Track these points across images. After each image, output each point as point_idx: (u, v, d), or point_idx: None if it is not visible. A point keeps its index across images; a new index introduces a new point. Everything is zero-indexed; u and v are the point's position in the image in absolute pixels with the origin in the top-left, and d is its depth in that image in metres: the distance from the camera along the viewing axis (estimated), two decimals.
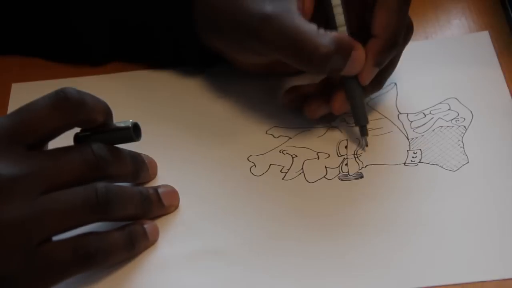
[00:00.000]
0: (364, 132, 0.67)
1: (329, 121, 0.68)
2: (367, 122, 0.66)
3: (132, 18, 0.71)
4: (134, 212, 0.61)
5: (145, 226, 0.62)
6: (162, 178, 0.66)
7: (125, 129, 0.62)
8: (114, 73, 0.74)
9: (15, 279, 0.56)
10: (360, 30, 0.65)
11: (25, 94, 0.73)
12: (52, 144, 0.61)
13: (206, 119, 0.70)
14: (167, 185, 0.64)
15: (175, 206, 0.64)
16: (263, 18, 0.63)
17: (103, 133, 0.61)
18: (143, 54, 0.73)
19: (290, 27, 0.63)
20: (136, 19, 0.71)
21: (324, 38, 0.63)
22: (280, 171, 0.66)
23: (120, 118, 0.63)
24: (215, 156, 0.67)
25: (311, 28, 0.63)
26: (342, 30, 0.65)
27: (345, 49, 0.63)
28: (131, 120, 0.62)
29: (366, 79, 0.65)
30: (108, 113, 0.62)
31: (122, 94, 0.73)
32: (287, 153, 0.67)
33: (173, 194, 0.64)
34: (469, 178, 0.64)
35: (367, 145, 0.67)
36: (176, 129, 0.70)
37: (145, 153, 0.65)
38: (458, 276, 0.58)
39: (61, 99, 0.59)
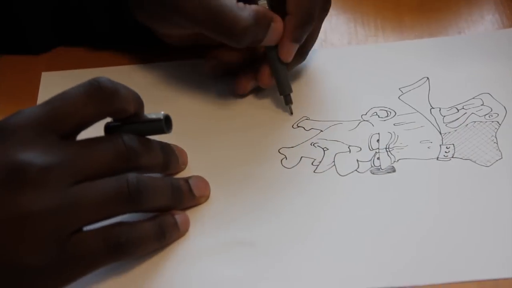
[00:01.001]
0: (288, 100, 0.69)
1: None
2: (291, 91, 0.68)
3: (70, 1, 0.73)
4: (165, 203, 0.61)
5: (176, 216, 0.61)
6: (193, 169, 0.66)
7: (156, 121, 0.61)
8: (132, 64, 0.75)
9: (46, 269, 0.56)
10: (281, 5, 0.68)
11: (55, 83, 0.73)
12: (82, 135, 0.60)
13: (235, 110, 0.70)
14: (198, 176, 0.64)
15: (206, 197, 0.64)
16: None
17: (134, 124, 0.61)
18: (82, 35, 0.75)
19: (210, 1, 0.65)
20: (74, 2, 0.72)
21: (243, 11, 0.65)
22: (312, 163, 0.66)
23: (148, 109, 0.62)
24: (245, 148, 0.67)
25: (230, 2, 0.65)
26: (263, 4, 0.67)
27: (264, 21, 0.66)
28: (162, 112, 0.61)
29: (288, 56, 0.68)
30: (140, 104, 0.61)
31: (149, 85, 0.73)
32: (318, 146, 0.67)
33: (204, 184, 0.64)
34: (503, 173, 0.63)
35: (291, 114, 0.69)
36: (205, 121, 0.70)
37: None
38: (490, 272, 0.58)
39: (94, 89, 0.59)
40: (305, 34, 0.68)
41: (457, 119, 0.68)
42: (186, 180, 0.63)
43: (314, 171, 0.65)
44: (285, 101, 0.69)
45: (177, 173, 0.65)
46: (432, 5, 0.76)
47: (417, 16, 0.76)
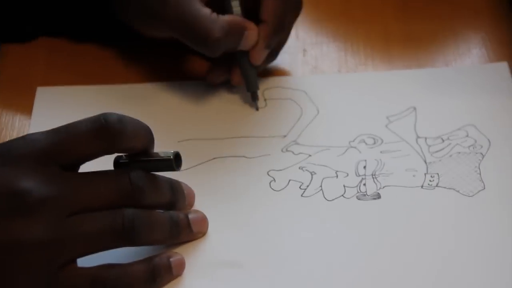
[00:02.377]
0: (255, 97, 0.72)
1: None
2: (257, 88, 0.72)
3: None
4: (162, 238, 0.61)
5: (171, 260, 0.61)
6: None
7: (166, 160, 0.61)
8: (138, 83, 0.76)
9: None
10: (255, 13, 0.71)
11: (49, 98, 0.74)
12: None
13: (226, 132, 0.71)
14: (197, 211, 0.64)
15: (203, 233, 0.63)
16: (163, 3, 0.68)
17: (143, 162, 0.61)
18: (65, 27, 0.77)
19: (186, 11, 0.68)
20: None
21: (217, 23, 0.68)
22: (299, 187, 0.67)
23: None
24: (234, 169, 0.68)
25: (205, 13, 0.68)
26: (237, 12, 0.71)
27: (237, 31, 0.70)
28: (172, 150, 0.61)
29: (259, 60, 0.71)
30: (149, 139, 0.61)
31: (142, 104, 0.74)
32: (306, 170, 0.68)
33: (203, 221, 0.64)
34: (486, 204, 0.65)
35: (257, 109, 0.72)
36: (197, 141, 0.71)
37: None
38: None
39: (101, 127, 0.58)
40: (277, 40, 0.72)
41: (442, 149, 0.69)
42: (186, 215, 0.63)
43: (301, 195, 0.67)
44: (252, 97, 0.72)
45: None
46: (420, 37, 0.78)
47: (405, 47, 0.78)
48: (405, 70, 0.76)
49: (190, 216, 0.63)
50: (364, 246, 0.63)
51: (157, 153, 0.61)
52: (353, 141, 0.70)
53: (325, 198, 0.66)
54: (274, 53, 0.73)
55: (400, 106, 0.73)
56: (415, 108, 0.72)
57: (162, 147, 0.63)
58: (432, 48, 0.76)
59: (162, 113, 0.73)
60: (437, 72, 0.75)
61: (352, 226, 0.64)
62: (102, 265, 0.58)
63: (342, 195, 0.66)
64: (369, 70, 0.76)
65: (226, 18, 0.69)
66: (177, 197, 0.63)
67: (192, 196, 0.65)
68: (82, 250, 0.57)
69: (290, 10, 0.72)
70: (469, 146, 0.69)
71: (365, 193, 0.66)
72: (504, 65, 0.75)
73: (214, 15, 0.69)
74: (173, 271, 0.61)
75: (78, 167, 0.59)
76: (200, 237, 0.63)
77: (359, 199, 0.66)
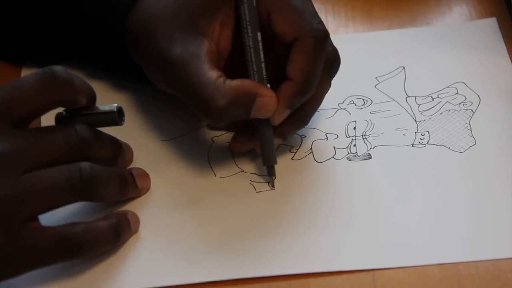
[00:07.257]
0: (271, 172, 0.64)
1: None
2: (275, 162, 0.64)
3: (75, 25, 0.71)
4: (113, 193, 0.61)
5: (128, 216, 0.62)
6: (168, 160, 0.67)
7: (110, 112, 0.61)
8: None
9: None
10: (281, 70, 0.63)
11: None
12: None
13: None
14: (139, 168, 0.65)
15: (147, 189, 0.65)
16: (169, 63, 0.61)
17: (87, 115, 0.61)
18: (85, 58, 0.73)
19: (191, 75, 0.61)
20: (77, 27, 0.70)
21: (220, 90, 0.60)
22: (289, 150, 0.67)
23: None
24: (227, 135, 0.68)
25: (209, 77, 0.60)
26: (258, 72, 0.63)
27: (245, 99, 0.61)
28: (115, 104, 0.61)
29: (277, 120, 0.63)
30: (92, 96, 0.61)
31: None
32: (296, 133, 0.68)
33: (146, 176, 0.65)
34: (476, 159, 0.65)
35: (273, 187, 0.64)
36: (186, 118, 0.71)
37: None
38: (462, 255, 0.59)
39: (48, 77, 0.58)
40: (301, 102, 0.63)
41: (432, 107, 0.69)
42: (130, 171, 0.64)
43: (292, 158, 0.66)
44: (268, 172, 0.64)
45: (123, 168, 0.65)
46: None
47: (386, 7, 0.77)
48: (391, 30, 0.75)
49: (134, 172, 0.64)
50: (356, 206, 0.63)
51: (99, 108, 0.61)
52: (342, 102, 0.70)
53: (316, 160, 0.66)
54: (301, 119, 0.65)
55: (389, 66, 0.72)
56: (404, 68, 0.72)
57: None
58: (413, 6, 0.75)
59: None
60: (422, 32, 0.75)
61: (343, 186, 0.64)
62: (66, 224, 0.58)
63: (333, 157, 0.66)
64: (350, 32, 0.76)
65: (233, 83, 0.60)
66: (119, 151, 0.64)
67: (131, 152, 0.66)
68: (41, 206, 0.57)
69: (318, 74, 0.63)
70: (459, 103, 0.69)
71: (355, 154, 0.66)
72: (493, 20, 0.75)
73: (221, 80, 0.60)
74: (131, 227, 0.62)
75: (28, 124, 0.59)
76: (144, 193, 0.64)
77: (349, 160, 0.66)
